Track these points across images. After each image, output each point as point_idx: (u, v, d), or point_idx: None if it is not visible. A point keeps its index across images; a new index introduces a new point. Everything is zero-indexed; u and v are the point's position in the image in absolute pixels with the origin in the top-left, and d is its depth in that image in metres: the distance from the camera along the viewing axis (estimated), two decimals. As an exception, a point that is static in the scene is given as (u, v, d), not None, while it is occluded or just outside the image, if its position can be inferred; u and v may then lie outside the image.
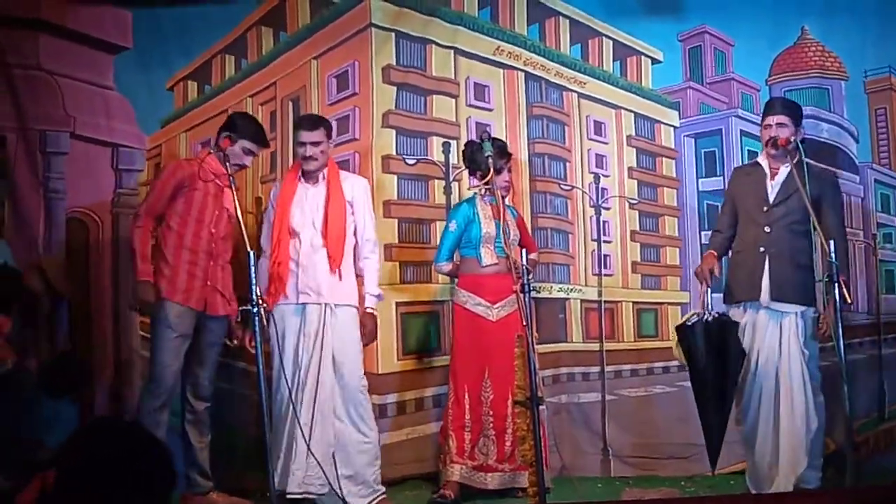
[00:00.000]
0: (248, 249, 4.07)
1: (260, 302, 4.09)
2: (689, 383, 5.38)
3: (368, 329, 4.76)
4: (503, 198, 4.87)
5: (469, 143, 5.08)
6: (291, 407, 4.53)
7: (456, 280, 5.08)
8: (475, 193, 5.06)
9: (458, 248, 5.04)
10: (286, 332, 4.65)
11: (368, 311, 4.77)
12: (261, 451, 4.17)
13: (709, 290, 4.73)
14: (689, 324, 4.53)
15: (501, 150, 4.93)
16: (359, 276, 4.80)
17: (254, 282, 4.07)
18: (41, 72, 5.32)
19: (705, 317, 4.53)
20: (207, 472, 4.72)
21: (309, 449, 4.46)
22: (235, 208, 4.28)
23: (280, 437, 4.57)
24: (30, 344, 4.83)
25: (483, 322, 4.95)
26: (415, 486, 5.18)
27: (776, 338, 4.65)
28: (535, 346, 4.25)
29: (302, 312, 4.66)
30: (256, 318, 4.06)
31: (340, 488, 4.55)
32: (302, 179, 4.81)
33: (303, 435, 4.46)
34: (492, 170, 4.42)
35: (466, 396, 4.90)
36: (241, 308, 4.25)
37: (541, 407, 4.13)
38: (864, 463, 5.30)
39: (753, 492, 4.66)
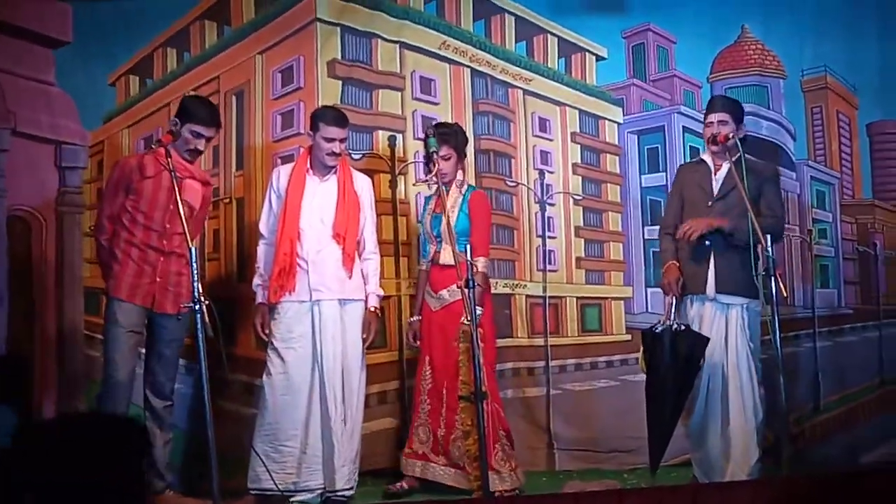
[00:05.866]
0: (189, 245, 4.06)
1: (202, 299, 4.07)
2: (631, 377, 5.49)
3: (375, 327, 4.82)
4: (444, 184, 4.76)
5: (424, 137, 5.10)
6: (322, 405, 4.61)
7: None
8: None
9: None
10: (297, 329, 4.66)
11: (373, 309, 4.81)
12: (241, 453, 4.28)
13: (675, 299, 4.77)
14: (657, 332, 4.58)
15: (443, 136, 4.84)
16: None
17: (195, 278, 4.05)
18: (-21, 68, 5.22)
19: (673, 326, 4.57)
20: (162, 472, 4.67)
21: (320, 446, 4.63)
22: (177, 202, 4.19)
23: (304, 437, 4.64)
24: None
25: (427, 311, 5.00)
26: (361, 482, 5.16)
27: (722, 330, 4.73)
28: (481, 342, 4.27)
29: (313, 309, 4.66)
30: (199, 316, 4.04)
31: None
32: (311, 172, 4.77)
33: (341, 432, 4.62)
34: (437, 163, 4.48)
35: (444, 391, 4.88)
36: (183, 304, 4.22)
37: (485, 402, 4.17)
38: (800, 454, 5.43)
39: (704, 481, 4.72)
